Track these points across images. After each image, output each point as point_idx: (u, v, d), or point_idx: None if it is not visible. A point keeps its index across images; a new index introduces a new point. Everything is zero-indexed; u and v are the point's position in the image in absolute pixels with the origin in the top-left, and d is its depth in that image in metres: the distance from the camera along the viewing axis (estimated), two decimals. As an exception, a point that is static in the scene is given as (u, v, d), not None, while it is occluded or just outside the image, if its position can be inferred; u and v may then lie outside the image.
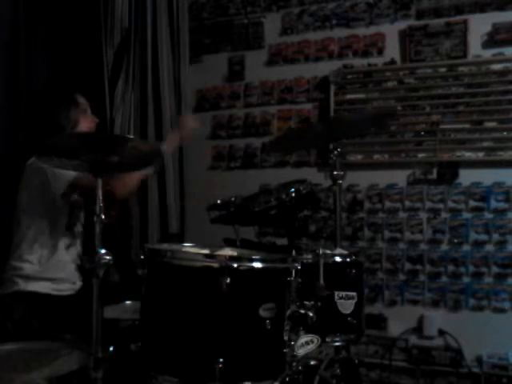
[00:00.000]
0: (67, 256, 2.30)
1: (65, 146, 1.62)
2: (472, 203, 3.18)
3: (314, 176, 3.42)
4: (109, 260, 1.52)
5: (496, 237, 3.12)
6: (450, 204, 3.22)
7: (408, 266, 3.29)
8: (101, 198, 1.55)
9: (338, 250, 2.09)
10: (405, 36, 3.34)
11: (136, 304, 1.82)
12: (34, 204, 2.23)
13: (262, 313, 1.46)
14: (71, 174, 2.11)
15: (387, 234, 3.34)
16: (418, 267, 3.27)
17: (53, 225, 2.24)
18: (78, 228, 2.37)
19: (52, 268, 2.23)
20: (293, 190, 1.94)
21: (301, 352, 1.67)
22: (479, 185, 3.17)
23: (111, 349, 1.52)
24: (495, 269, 3.11)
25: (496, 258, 3.11)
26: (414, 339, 3.27)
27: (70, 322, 2.06)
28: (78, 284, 2.36)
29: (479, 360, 3.10)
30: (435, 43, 3.26)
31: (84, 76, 3.42)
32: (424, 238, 3.27)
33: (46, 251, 2.23)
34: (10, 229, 2.31)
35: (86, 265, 1.53)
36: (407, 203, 3.31)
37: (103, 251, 1.51)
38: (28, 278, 2.19)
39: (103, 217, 1.54)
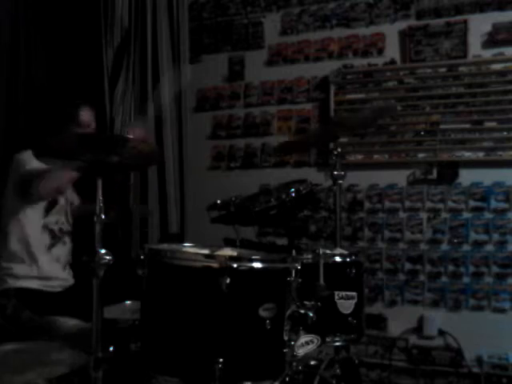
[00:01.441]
0: (52, 255, 2.30)
1: (64, 147, 1.61)
2: (472, 203, 3.18)
3: (314, 176, 3.42)
4: (109, 260, 1.52)
5: (496, 237, 3.12)
6: (450, 204, 3.22)
7: (408, 265, 3.29)
8: (101, 198, 1.55)
9: (338, 250, 2.09)
10: (405, 36, 3.34)
11: (136, 304, 1.82)
12: (12, 201, 2.23)
13: (262, 313, 1.45)
14: (33, 164, 2.09)
15: (387, 233, 3.34)
16: (418, 267, 3.26)
17: (30, 223, 2.24)
18: (65, 227, 2.36)
19: (39, 267, 2.23)
20: (293, 189, 1.94)
21: (301, 352, 1.67)
22: (479, 185, 3.17)
23: (111, 349, 1.52)
24: (495, 269, 3.11)
25: (496, 258, 3.11)
26: (414, 339, 3.27)
27: (59, 313, 2.07)
28: (70, 281, 2.37)
29: (479, 360, 3.10)
30: (435, 43, 3.26)
31: (84, 76, 3.42)
32: (424, 238, 3.27)
33: (29, 250, 2.24)
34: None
35: (87, 264, 1.53)
36: (407, 203, 3.31)
37: (103, 251, 1.51)
38: (17, 276, 2.20)
39: (103, 217, 1.54)
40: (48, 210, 2.28)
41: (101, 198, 1.54)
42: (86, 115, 2.39)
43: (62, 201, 2.36)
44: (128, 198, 3.43)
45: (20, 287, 2.19)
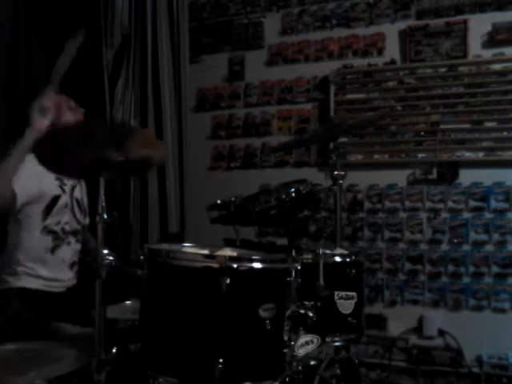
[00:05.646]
0: (57, 257, 2.28)
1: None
2: (472, 203, 3.18)
3: (314, 176, 3.43)
4: (112, 260, 1.51)
5: (496, 237, 3.12)
6: (450, 204, 3.22)
7: (408, 265, 3.29)
8: (103, 198, 1.54)
9: (338, 250, 2.09)
10: (405, 36, 3.34)
11: (136, 304, 1.82)
12: None
13: (262, 313, 1.45)
14: None
15: (387, 233, 3.35)
16: (418, 267, 3.27)
17: (28, 227, 2.22)
18: (69, 227, 2.32)
19: (41, 267, 2.22)
20: (293, 189, 1.94)
21: (301, 352, 1.67)
22: (479, 185, 3.17)
23: (114, 350, 1.51)
24: (495, 269, 3.12)
25: (496, 258, 3.11)
26: (414, 339, 3.27)
27: (61, 316, 2.06)
28: (73, 281, 2.36)
29: (479, 360, 3.10)
30: (435, 43, 3.26)
31: (84, 76, 3.42)
32: (424, 238, 3.27)
33: (29, 254, 2.22)
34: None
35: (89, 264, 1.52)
36: (407, 203, 3.31)
37: (106, 251, 1.50)
38: (18, 275, 2.19)
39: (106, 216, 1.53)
40: (47, 213, 2.24)
41: (103, 198, 1.53)
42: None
43: (62, 200, 2.32)
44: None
45: (22, 287, 2.18)
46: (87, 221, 2.53)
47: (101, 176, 1.55)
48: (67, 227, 2.33)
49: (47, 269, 2.24)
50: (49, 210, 2.25)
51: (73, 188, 2.39)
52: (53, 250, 2.27)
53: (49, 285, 2.24)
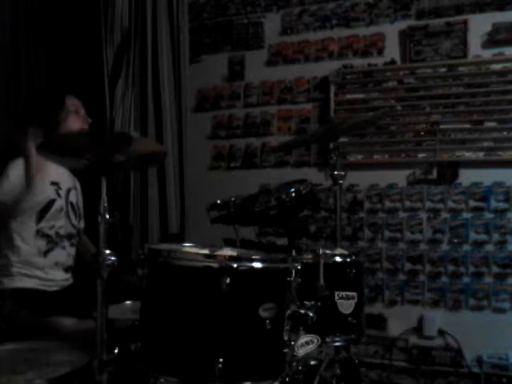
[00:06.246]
0: (50, 260, 2.27)
1: (68, 143, 1.60)
2: (472, 203, 3.18)
3: (314, 176, 3.43)
4: (114, 261, 1.50)
5: (496, 237, 3.12)
6: (450, 204, 3.22)
7: (408, 265, 3.29)
8: (105, 197, 1.53)
9: (338, 250, 2.09)
10: (405, 36, 3.34)
11: (136, 304, 1.82)
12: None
13: (262, 313, 1.45)
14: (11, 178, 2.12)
15: (387, 233, 3.35)
16: (418, 267, 3.27)
17: (21, 230, 2.22)
18: (63, 231, 2.33)
19: (34, 269, 2.23)
20: (293, 189, 1.94)
21: (301, 352, 1.67)
22: (479, 185, 3.17)
23: (116, 351, 1.51)
24: (495, 269, 3.12)
25: (496, 258, 3.11)
26: (414, 339, 3.27)
27: (57, 314, 2.06)
28: (68, 282, 2.35)
29: (479, 360, 3.10)
30: (435, 43, 3.26)
31: (84, 76, 3.42)
32: (424, 238, 3.27)
33: (23, 253, 2.22)
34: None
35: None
36: (407, 203, 3.31)
37: (108, 252, 1.50)
38: (12, 276, 2.19)
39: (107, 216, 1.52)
40: (42, 216, 2.24)
41: (105, 197, 1.53)
42: (73, 99, 2.37)
43: (57, 204, 2.31)
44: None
45: (16, 287, 2.18)
46: (82, 224, 2.53)
47: (103, 175, 1.55)
48: (61, 231, 2.33)
49: (41, 271, 2.24)
50: (43, 213, 2.25)
51: (68, 192, 2.39)
52: (45, 253, 2.27)
53: (44, 284, 2.24)
